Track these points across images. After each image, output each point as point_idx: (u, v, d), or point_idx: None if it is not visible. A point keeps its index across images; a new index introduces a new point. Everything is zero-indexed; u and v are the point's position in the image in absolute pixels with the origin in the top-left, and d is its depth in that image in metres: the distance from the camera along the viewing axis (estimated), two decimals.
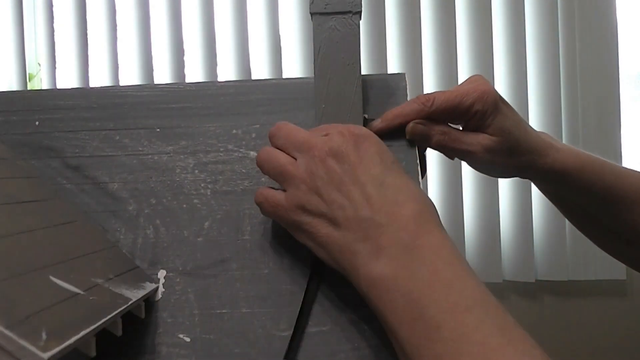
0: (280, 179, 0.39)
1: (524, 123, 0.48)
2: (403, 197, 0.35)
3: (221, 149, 0.46)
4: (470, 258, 1.42)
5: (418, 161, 0.44)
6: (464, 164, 0.50)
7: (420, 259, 0.33)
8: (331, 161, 0.37)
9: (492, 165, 0.47)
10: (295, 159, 0.38)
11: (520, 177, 0.51)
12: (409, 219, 0.34)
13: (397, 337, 0.33)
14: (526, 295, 1.45)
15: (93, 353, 0.30)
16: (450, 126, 0.46)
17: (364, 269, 0.34)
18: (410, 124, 0.44)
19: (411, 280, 0.33)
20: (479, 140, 0.45)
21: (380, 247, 0.34)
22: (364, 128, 0.39)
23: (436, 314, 0.31)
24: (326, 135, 0.39)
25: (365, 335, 0.39)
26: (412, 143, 0.45)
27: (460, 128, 0.47)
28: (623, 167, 0.51)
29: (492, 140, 0.45)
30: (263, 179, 0.45)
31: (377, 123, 0.44)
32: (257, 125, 0.46)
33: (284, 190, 0.39)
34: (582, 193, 0.50)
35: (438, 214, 0.36)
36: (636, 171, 0.51)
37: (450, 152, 0.46)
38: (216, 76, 1.50)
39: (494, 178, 1.39)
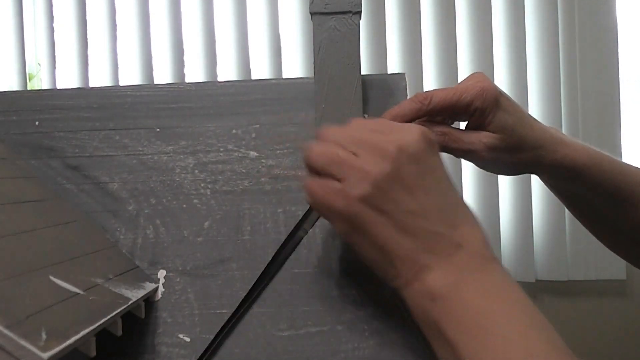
0: (339, 170, 0.35)
1: (529, 118, 0.46)
2: (471, 220, 0.36)
3: (221, 149, 0.46)
4: None
5: None
6: (463, 163, 0.50)
7: (492, 280, 0.34)
8: (404, 159, 0.35)
9: (497, 163, 0.46)
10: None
11: (528, 173, 0.49)
12: (480, 244, 0.35)
13: (457, 347, 0.33)
14: None
15: (93, 353, 0.30)
16: (450, 126, 0.45)
17: (429, 282, 0.34)
18: None
19: (483, 299, 0.33)
20: (481, 138, 0.44)
21: (452, 264, 0.34)
22: (431, 133, 0.37)
23: (507, 329, 0.32)
24: (389, 132, 0.36)
25: (365, 335, 0.39)
26: None
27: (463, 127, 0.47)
28: (633, 166, 0.50)
29: (495, 137, 0.44)
30: (263, 179, 0.45)
31: None
32: (257, 125, 0.46)
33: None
34: (590, 189, 0.49)
35: None
36: None
37: (452, 152, 0.45)
38: (216, 76, 1.50)
39: (493, 178, 1.39)
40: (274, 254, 0.42)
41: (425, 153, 0.35)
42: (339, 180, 0.35)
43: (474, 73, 0.46)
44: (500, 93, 0.44)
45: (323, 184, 0.36)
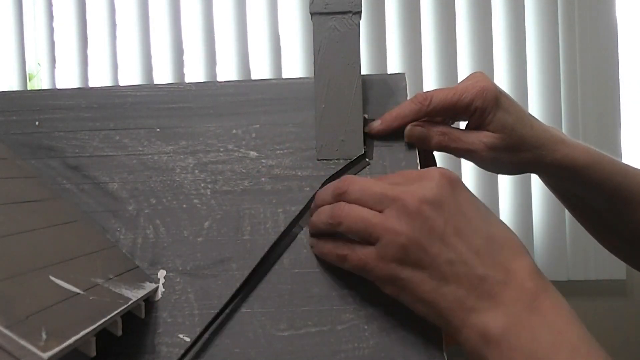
0: (366, 234, 0.36)
1: (529, 118, 0.46)
2: (510, 250, 0.35)
3: (221, 149, 0.46)
4: None
5: (418, 161, 0.44)
6: (463, 163, 0.50)
7: (542, 318, 0.33)
8: (428, 210, 0.35)
9: (497, 162, 0.46)
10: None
11: (528, 172, 0.49)
12: (524, 276, 0.34)
13: None
14: None
15: (93, 353, 0.30)
16: (450, 126, 0.45)
17: (480, 326, 0.33)
18: (408, 127, 0.43)
19: (535, 342, 0.32)
20: (480, 138, 0.44)
21: (500, 304, 0.33)
22: (452, 172, 0.37)
23: None
24: (408, 182, 0.37)
25: (365, 335, 0.39)
26: (411, 145, 0.44)
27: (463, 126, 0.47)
28: (634, 167, 0.50)
29: (494, 137, 0.44)
30: (263, 179, 0.45)
31: (377, 125, 0.44)
32: (257, 125, 0.46)
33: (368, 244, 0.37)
34: (590, 190, 0.49)
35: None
36: None
37: (452, 152, 0.45)
38: (216, 76, 1.50)
39: (494, 177, 1.39)
40: (266, 250, 0.42)
41: (448, 197, 0.35)
42: (371, 243, 0.36)
43: (474, 73, 0.46)
44: (500, 92, 0.44)
45: (359, 251, 0.37)
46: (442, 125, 0.44)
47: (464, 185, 0.37)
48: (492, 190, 1.42)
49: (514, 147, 0.45)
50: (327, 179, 0.44)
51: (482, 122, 0.45)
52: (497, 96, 0.44)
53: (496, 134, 0.44)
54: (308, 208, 0.43)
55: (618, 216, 0.51)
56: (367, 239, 0.36)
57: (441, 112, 0.44)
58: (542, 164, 0.47)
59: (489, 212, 0.37)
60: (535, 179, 1.40)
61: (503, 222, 0.37)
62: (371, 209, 0.36)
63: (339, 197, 0.38)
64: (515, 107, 0.45)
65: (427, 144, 0.44)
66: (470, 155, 0.45)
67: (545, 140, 0.46)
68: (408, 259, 0.35)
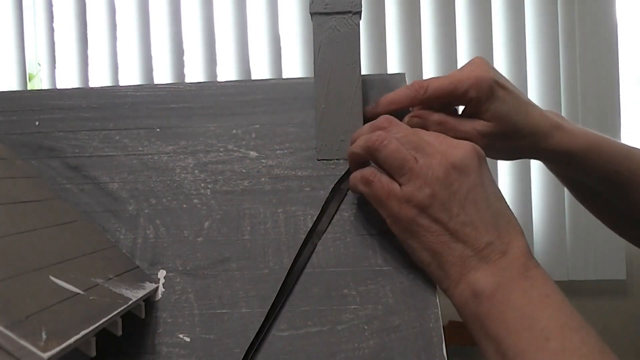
0: (399, 171, 0.39)
1: (525, 106, 0.47)
2: (513, 229, 0.39)
3: (221, 149, 0.46)
4: None
5: None
6: None
7: (532, 282, 0.37)
8: (454, 174, 0.38)
9: (491, 148, 0.46)
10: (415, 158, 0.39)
11: (524, 158, 0.51)
12: (520, 252, 0.38)
13: (500, 343, 0.36)
14: None
15: (93, 353, 0.30)
16: (447, 114, 0.45)
17: (475, 283, 0.37)
18: (406, 118, 0.44)
19: (524, 298, 0.36)
20: (475, 126, 0.45)
21: (497, 268, 0.37)
22: (480, 149, 0.40)
23: (546, 328, 0.35)
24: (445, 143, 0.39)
25: (365, 335, 0.39)
26: None
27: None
28: (634, 148, 0.50)
29: (489, 125, 0.45)
30: (263, 179, 0.45)
31: (372, 108, 0.45)
32: (257, 125, 0.46)
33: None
34: (588, 174, 0.50)
35: None
36: None
37: None
38: (216, 76, 1.50)
39: (494, 178, 1.39)
40: (288, 268, 0.41)
41: (475, 167, 0.38)
42: (398, 182, 0.39)
43: (474, 58, 0.46)
44: (496, 82, 0.44)
45: (385, 181, 0.39)
46: (439, 114, 0.45)
47: (487, 163, 0.40)
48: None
49: (508, 135, 0.46)
50: (335, 183, 0.44)
51: (477, 111, 0.45)
52: (492, 86, 0.44)
53: (491, 122, 0.45)
54: (323, 214, 0.43)
55: (619, 198, 0.51)
56: (397, 175, 0.39)
57: (436, 100, 0.44)
58: (537, 150, 0.48)
59: (501, 193, 0.40)
60: (535, 178, 1.41)
61: (509, 206, 0.41)
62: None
63: (382, 129, 0.40)
64: (511, 96, 0.46)
65: None
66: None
67: (539, 127, 0.47)
68: (430, 209, 0.38)
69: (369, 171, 0.40)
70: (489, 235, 0.38)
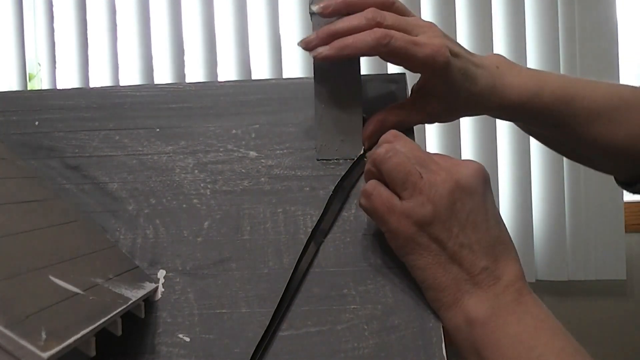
0: (402, 185, 0.38)
1: (474, 77, 0.44)
2: (509, 255, 0.39)
3: (221, 149, 0.46)
4: None
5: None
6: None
7: (526, 308, 0.37)
8: (458, 193, 0.37)
9: (438, 119, 0.46)
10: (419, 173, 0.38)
11: (467, 117, 0.51)
12: (514, 278, 0.38)
13: None
14: None
15: (93, 353, 0.30)
16: (388, 109, 0.44)
17: (469, 309, 0.37)
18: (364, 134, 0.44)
19: (519, 325, 0.36)
20: (425, 109, 0.45)
21: (491, 294, 0.37)
22: (486, 170, 0.39)
23: (543, 355, 0.35)
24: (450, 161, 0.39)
25: (365, 335, 0.39)
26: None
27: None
28: (587, 85, 0.49)
29: (434, 107, 0.45)
30: (262, 179, 0.45)
31: (325, 50, 0.41)
32: (257, 125, 0.46)
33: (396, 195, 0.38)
34: (532, 124, 0.51)
35: None
36: (601, 82, 0.49)
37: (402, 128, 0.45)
38: (216, 76, 1.50)
39: (494, 178, 1.39)
40: (288, 268, 0.41)
41: (479, 189, 0.38)
42: (400, 197, 0.38)
43: (433, 27, 0.45)
44: (449, 61, 0.43)
45: (385, 195, 0.38)
46: (392, 119, 0.44)
47: (490, 186, 0.40)
48: (493, 190, 1.41)
49: (453, 110, 0.46)
50: (338, 181, 0.44)
51: (425, 84, 0.44)
52: (445, 67, 0.42)
53: (436, 101, 0.44)
54: (326, 213, 0.43)
55: (571, 139, 0.51)
56: (399, 188, 0.38)
57: (392, 58, 0.41)
58: (480, 112, 0.48)
59: (500, 216, 0.40)
60: (535, 179, 1.41)
61: (507, 230, 0.40)
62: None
63: (386, 142, 0.40)
64: (461, 72, 0.44)
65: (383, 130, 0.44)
66: (417, 124, 0.46)
67: (483, 95, 0.45)
68: (431, 227, 0.37)
69: (369, 184, 0.39)
70: (485, 259, 0.37)
